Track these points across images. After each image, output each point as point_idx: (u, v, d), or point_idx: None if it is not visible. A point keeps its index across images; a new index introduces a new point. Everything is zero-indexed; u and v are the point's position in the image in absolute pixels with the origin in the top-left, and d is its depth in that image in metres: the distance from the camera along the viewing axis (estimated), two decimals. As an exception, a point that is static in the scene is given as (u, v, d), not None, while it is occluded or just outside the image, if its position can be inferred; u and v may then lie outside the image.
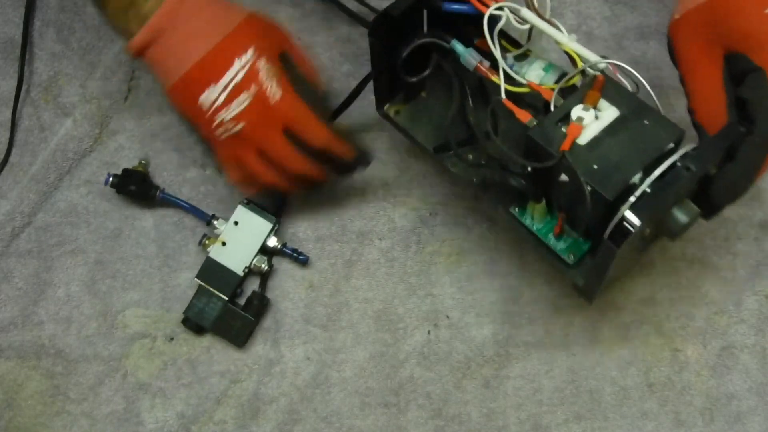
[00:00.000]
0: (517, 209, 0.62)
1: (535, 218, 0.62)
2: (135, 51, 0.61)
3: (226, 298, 0.70)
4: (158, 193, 0.73)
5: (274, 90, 0.60)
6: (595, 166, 0.54)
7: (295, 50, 0.64)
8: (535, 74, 0.61)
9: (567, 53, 0.59)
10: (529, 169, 0.59)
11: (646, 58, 0.75)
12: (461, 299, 0.72)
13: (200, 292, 0.70)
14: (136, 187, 0.73)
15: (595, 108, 0.56)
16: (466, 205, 0.74)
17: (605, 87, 0.57)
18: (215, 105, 0.60)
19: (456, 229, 0.74)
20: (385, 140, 0.78)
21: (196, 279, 0.70)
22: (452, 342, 0.71)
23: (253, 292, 0.71)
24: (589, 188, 0.53)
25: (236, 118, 0.61)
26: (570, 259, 0.61)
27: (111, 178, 0.73)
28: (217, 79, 0.60)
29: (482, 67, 0.60)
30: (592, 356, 0.71)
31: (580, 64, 0.58)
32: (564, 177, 0.56)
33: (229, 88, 0.60)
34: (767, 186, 0.73)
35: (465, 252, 0.74)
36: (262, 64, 0.60)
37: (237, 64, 0.60)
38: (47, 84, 0.78)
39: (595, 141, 0.55)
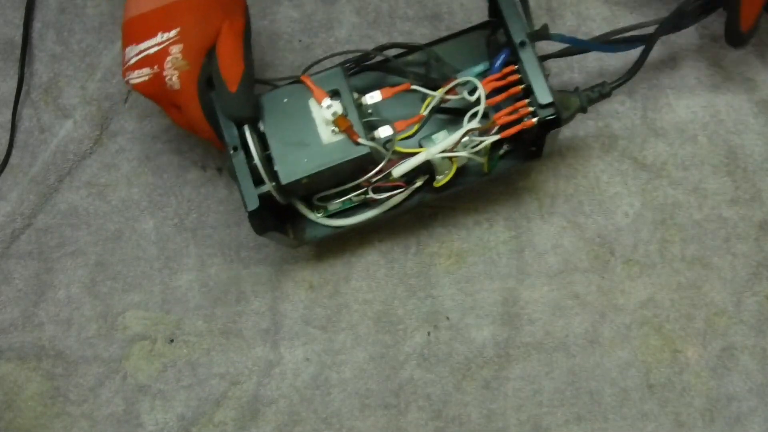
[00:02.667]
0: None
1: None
2: None
3: None
4: None
5: (172, 81, 0.61)
6: None
7: (230, 43, 0.61)
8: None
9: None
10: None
11: (648, 61, 0.75)
12: (461, 300, 0.72)
13: None
14: None
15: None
16: (465, 206, 0.74)
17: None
18: (128, 63, 0.62)
19: (456, 230, 0.74)
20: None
21: None
22: (452, 343, 0.71)
23: None
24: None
25: (136, 86, 0.62)
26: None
27: None
28: (138, 41, 0.61)
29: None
30: (592, 357, 0.71)
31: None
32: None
33: (140, 56, 0.61)
34: (767, 186, 0.73)
35: (465, 253, 0.74)
36: (174, 51, 0.60)
37: (158, 37, 0.61)
38: (47, 85, 0.79)
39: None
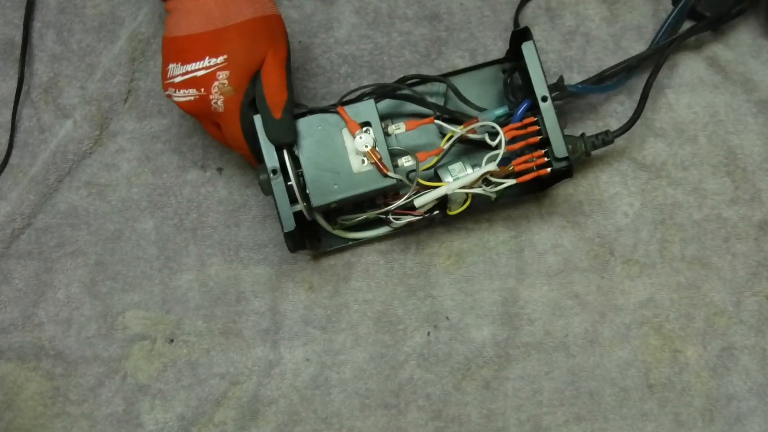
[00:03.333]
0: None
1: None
2: None
3: None
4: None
5: (218, 104, 0.63)
6: None
7: (275, 72, 0.65)
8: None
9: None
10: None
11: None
12: (461, 300, 0.72)
13: None
14: None
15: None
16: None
17: None
18: (172, 80, 0.64)
19: (455, 230, 0.74)
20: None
21: None
22: (452, 343, 0.71)
23: None
24: None
25: (180, 104, 0.64)
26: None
27: None
28: (185, 62, 0.63)
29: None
30: (592, 357, 0.71)
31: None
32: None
33: (187, 76, 0.63)
34: (767, 187, 0.73)
35: (464, 253, 0.74)
36: (221, 77, 0.62)
37: (205, 61, 0.62)
38: (47, 85, 0.79)
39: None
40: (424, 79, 0.72)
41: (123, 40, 0.78)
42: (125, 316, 0.73)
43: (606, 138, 0.69)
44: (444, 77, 0.71)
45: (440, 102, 0.72)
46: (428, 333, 0.72)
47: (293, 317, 0.72)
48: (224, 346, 0.72)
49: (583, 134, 0.68)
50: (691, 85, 0.75)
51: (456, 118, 0.69)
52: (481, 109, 0.70)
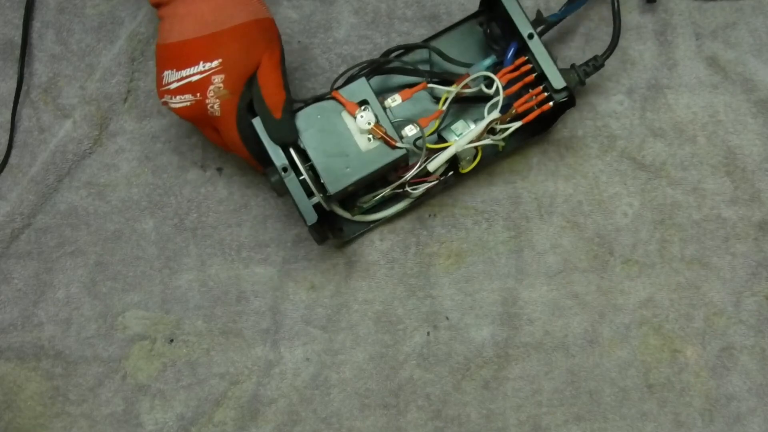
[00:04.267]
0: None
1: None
2: (153, 2, 0.65)
3: None
4: None
5: (214, 108, 0.63)
6: None
7: (272, 73, 0.65)
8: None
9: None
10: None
11: (644, 58, 0.75)
12: (460, 300, 0.72)
13: None
14: None
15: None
16: (464, 207, 0.74)
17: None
18: (167, 87, 0.64)
19: (455, 230, 0.74)
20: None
21: None
22: (451, 343, 0.71)
23: None
24: None
25: (176, 110, 0.65)
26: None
27: None
28: (179, 68, 0.63)
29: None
30: (592, 357, 0.71)
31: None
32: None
33: (182, 82, 0.63)
34: (766, 187, 0.73)
35: (464, 253, 0.74)
36: (216, 80, 0.62)
37: (200, 66, 0.62)
38: (47, 85, 0.78)
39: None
40: (407, 48, 0.72)
41: (122, 40, 0.78)
42: (125, 316, 0.73)
43: (596, 63, 0.68)
44: (425, 42, 0.71)
45: (427, 68, 0.72)
46: (428, 333, 0.72)
47: (294, 317, 0.72)
48: (224, 346, 0.72)
49: (573, 65, 0.68)
50: (690, 85, 0.75)
51: (446, 80, 0.70)
52: (468, 65, 0.71)
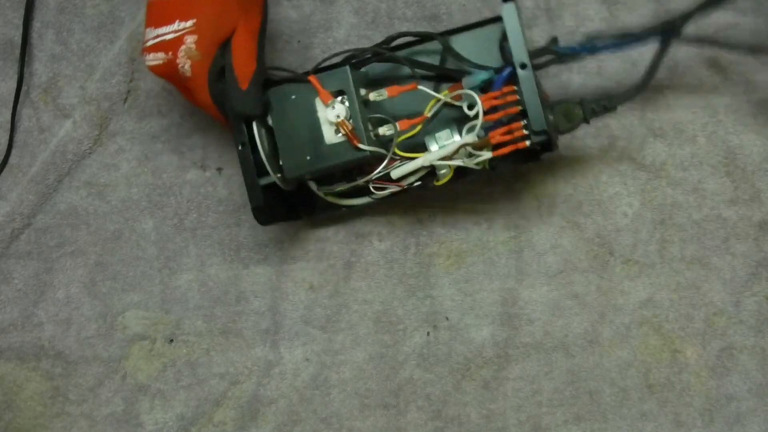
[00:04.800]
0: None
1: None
2: None
3: None
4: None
5: (185, 69, 0.63)
6: None
7: (245, 41, 0.63)
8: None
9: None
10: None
11: (644, 58, 0.75)
12: (460, 301, 0.72)
13: None
14: None
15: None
16: (464, 207, 0.74)
17: None
18: (145, 44, 0.65)
19: (455, 230, 0.74)
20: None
21: None
22: (451, 343, 0.71)
23: None
24: None
25: (150, 67, 0.65)
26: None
27: None
28: (156, 25, 0.64)
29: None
30: (592, 357, 0.71)
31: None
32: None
33: (157, 40, 0.64)
34: (766, 187, 0.73)
35: (464, 253, 0.74)
36: (189, 41, 0.63)
37: (175, 25, 0.63)
38: (47, 85, 0.79)
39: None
40: (417, 36, 0.67)
41: (122, 40, 0.78)
42: (125, 316, 0.73)
43: (608, 105, 0.63)
44: (441, 35, 0.66)
45: (437, 61, 0.67)
46: (428, 333, 0.72)
47: (293, 317, 0.72)
48: (224, 346, 0.72)
49: (582, 100, 0.63)
50: (690, 85, 0.75)
51: (454, 78, 0.65)
52: (479, 67, 0.65)
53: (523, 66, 0.60)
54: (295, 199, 0.69)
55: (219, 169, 0.76)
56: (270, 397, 0.70)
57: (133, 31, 0.78)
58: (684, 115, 0.75)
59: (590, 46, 0.65)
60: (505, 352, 0.71)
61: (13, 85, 0.78)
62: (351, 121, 0.61)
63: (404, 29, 0.77)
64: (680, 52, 0.76)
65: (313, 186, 0.67)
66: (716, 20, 0.74)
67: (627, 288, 0.72)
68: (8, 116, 0.78)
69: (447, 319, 0.72)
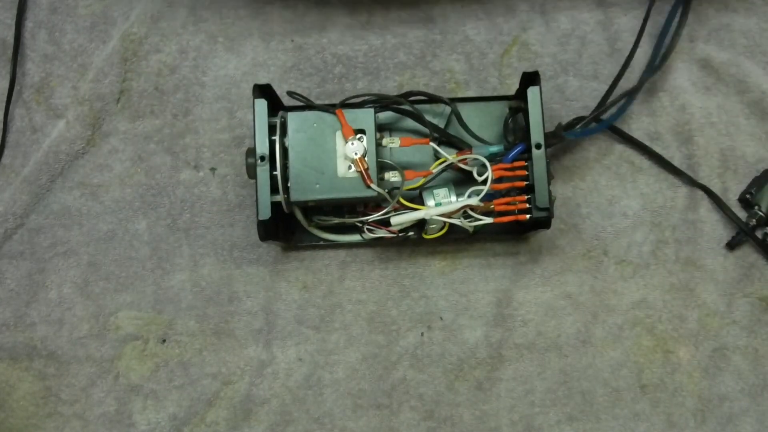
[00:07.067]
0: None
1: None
2: None
3: None
4: None
5: None
6: None
7: None
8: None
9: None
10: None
11: (639, 60, 0.75)
12: (455, 301, 0.72)
13: None
14: None
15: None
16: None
17: None
18: None
19: (450, 231, 0.74)
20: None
21: None
22: (445, 344, 0.71)
23: None
24: None
25: None
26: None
27: None
28: None
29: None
30: (585, 358, 0.71)
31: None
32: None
33: None
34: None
35: (459, 255, 0.74)
36: None
37: None
38: (39, 85, 0.78)
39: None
40: (430, 98, 0.71)
41: (115, 41, 0.77)
42: (117, 317, 0.73)
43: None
44: (451, 101, 0.70)
45: (442, 123, 0.71)
46: (422, 333, 0.72)
47: (286, 317, 0.72)
48: (216, 346, 0.72)
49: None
50: (684, 87, 0.75)
51: (453, 143, 0.70)
52: (479, 140, 0.70)
53: (539, 146, 0.65)
54: (281, 222, 0.70)
55: (212, 169, 0.76)
56: (262, 397, 0.70)
57: (126, 31, 0.78)
58: (679, 117, 0.75)
59: (588, 130, 0.72)
60: (498, 353, 0.71)
61: (6, 85, 0.78)
62: (367, 160, 0.63)
63: (400, 31, 0.77)
64: (673, 56, 0.76)
65: (300, 216, 0.68)
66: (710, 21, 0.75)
67: (620, 288, 0.72)
68: (0, 116, 0.78)
69: (441, 319, 0.72)
